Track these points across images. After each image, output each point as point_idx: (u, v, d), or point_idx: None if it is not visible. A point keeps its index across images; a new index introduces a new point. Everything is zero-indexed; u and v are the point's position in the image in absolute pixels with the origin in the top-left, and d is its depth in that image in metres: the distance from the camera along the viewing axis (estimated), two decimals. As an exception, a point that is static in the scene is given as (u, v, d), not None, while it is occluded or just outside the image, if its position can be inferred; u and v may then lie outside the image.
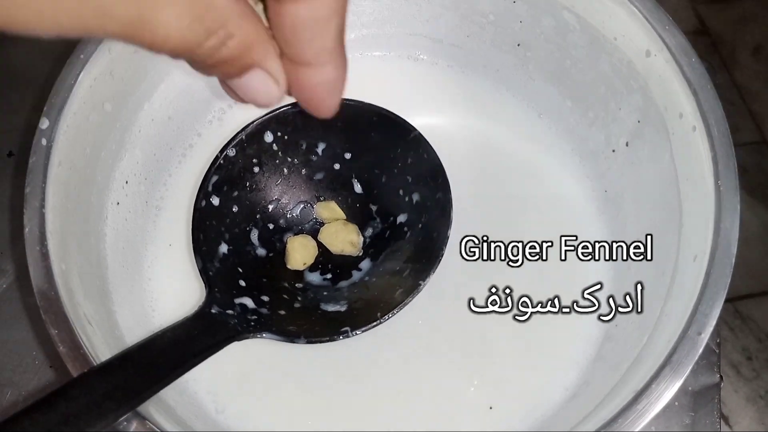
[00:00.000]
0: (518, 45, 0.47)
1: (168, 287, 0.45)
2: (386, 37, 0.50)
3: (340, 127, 0.44)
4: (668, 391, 0.32)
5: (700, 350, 0.32)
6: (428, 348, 0.43)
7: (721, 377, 0.46)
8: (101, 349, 0.35)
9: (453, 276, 0.44)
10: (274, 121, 0.43)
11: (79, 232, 0.39)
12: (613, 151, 0.45)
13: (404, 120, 0.43)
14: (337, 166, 0.45)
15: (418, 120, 0.49)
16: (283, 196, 0.45)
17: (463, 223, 0.43)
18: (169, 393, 0.38)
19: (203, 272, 0.40)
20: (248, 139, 0.42)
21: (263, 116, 0.43)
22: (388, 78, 0.51)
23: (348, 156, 0.45)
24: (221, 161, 0.42)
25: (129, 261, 0.43)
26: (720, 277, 0.34)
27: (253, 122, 0.42)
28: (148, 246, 0.46)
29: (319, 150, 0.45)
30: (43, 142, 0.37)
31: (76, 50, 0.39)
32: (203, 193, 0.41)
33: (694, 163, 0.38)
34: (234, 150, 0.42)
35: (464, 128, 0.50)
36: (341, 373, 0.43)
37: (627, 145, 0.44)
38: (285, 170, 0.44)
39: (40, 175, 0.36)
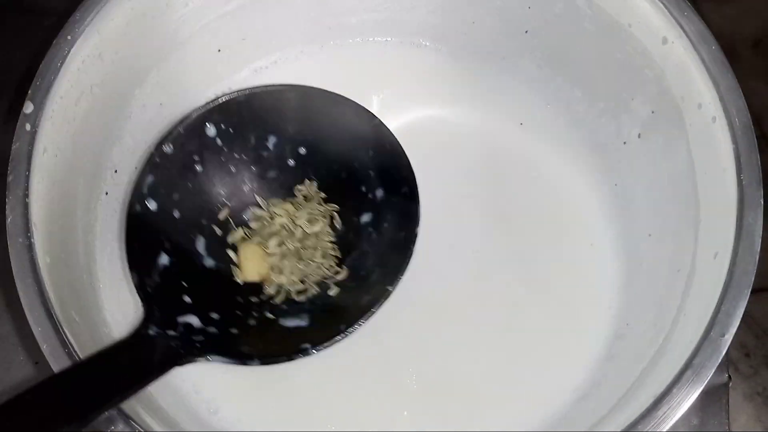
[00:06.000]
0: (526, 32, 0.46)
1: (159, 282, 0.43)
2: (389, 23, 0.48)
3: (293, 117, 0.41)
4: (690, 397, 0.30)
5: (723, 352, 0.31)
6: (429, 347, 0.42)
7: (729, 376, 0.45)
8: (88, 348, 0.33)
9: (450, 270, 0.43)
10: (217, 111, 0.39)
11: (65, 224, 0.37)
12: (625, 143, 0.44)
13: (364, 108, 0.40)
14: (291, 163, 0.42)
15: (421, 107, 0.48)
16: (232, 198, 0.41)
17: (464, 215, 0.42)
18: (160, 393, 0.37)
19: (139, 288, 0.36)
20: (187, 133, 0.39)
21: (204, 106, 0.39)
22: (390, 64, 0.49)
23: (303, 151, 0.42)
24: (157, 159, 0.38)
25: (117, 254, 0.41)
26: (743, 275, 0.32)
27: (192, 114, 0.39)
28: (138, 238, 0.44)
29: (270, 144, 0.41)
30: (27, 127, 0.35)
31: (63, 30, 0.37)
32: (136, 196, 0.38)
33: (713, 155, 0.36)
34: (170, 146, 0.39)
35: (468, 117, 0.48)
36: (336, 372, 0.41)
37: (639, 136, 0.43)
38: (231, 168, 0.41)
39: (23, 163, 0.34)
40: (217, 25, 0.44)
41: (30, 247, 0.33)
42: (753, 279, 0.32)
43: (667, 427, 0.30)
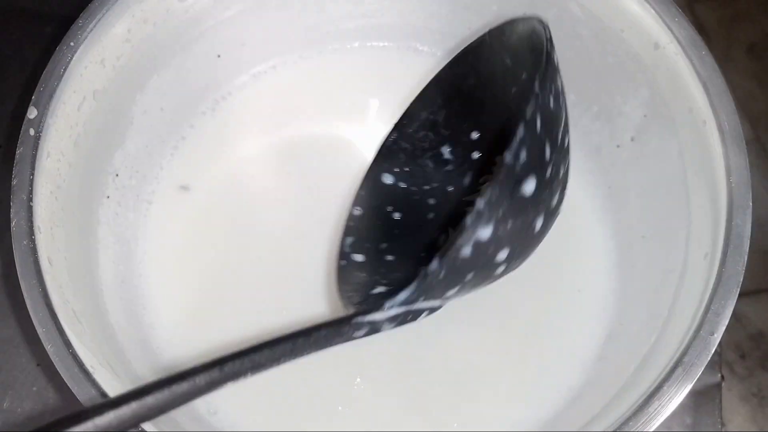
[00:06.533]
0: (521, 37, 0.46)
1: (159, 284, 0.43)
2: (387, 28, 0.49)
3: (443, 111, 0.38)
4: (680, 394, 0.31)
5: (713, 351, 0.31)
6: (423, 347, 0.42)
7: (722, 376, 0.46)
8: (91, 348, 0.34)
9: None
10: (383, 159, 0.38)
11: (68, 227, 0.37)
12: (618, 146, 0.44)
13: (483, 35, 0.36)
14: (476, 155, 0.39)
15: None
16: (444, 228, 0.39)
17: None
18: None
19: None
20: (368, 192, 0.38)
21: (372, 163, 0.38)
22: (388, 70, 0.49)
23: (476, 135, 0.38)
24: (351, 223, 0.37)
25: (119, 257, 0.42)
26: (732, 276, 0.33)
27: (365, 173, 0.38)
28: (139, 241, 0.44)
29: (446, 154, 0.39)
30: (31, 132, 0.35)
31: (66, 37, 0.38)
32: (341, 254, 0.37)
33: (704, 158, 0.37)
34: (359, 209, 0.37)
35: (464, 122, 0.48)
36: (338, 372, 0.41)
37: (632, 140, 0.43)
38: (429, 201, 0.39)
39: (27, 167, 0.35)
40: (216, 31, 0.45)
41: (34, 250, 0.33)
42: (741, 279, 0.33)
43: (657, 424, 0.31)
